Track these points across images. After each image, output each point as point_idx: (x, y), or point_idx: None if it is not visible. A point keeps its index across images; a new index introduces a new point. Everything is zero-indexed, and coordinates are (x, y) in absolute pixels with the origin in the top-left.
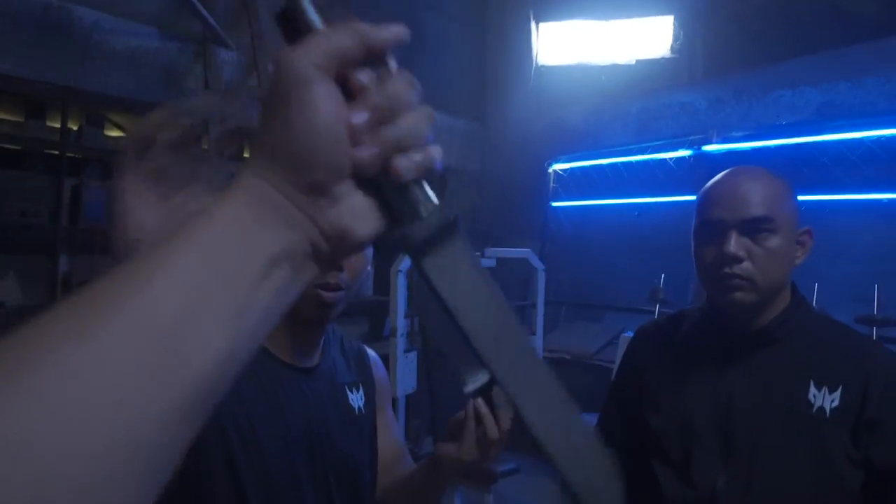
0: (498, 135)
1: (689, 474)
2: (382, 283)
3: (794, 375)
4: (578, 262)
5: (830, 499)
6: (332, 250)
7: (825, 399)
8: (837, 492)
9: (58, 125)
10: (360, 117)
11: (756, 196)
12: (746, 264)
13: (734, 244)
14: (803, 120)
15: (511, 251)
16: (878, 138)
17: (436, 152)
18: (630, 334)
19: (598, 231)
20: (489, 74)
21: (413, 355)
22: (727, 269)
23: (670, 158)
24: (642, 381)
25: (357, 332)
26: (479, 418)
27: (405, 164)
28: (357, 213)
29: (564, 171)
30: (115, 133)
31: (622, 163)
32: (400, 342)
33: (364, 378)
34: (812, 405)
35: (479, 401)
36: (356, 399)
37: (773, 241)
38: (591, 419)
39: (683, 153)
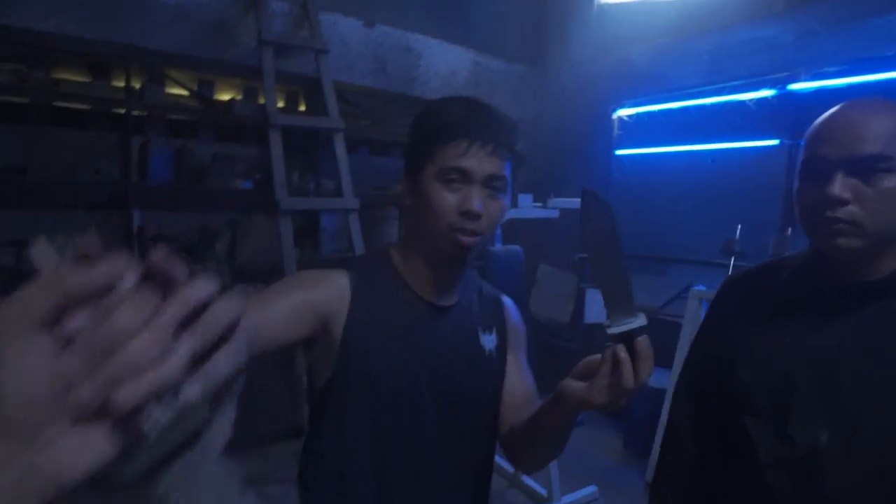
0: (557, 79)
1: (786, 429)
2: None
3: None
4: (643, 212)
5: None
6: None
7: None
8: None
9: (122, 84)
10: (66, 364)
11: (870, 130)
12: (852, 207)
13: (839, 185)
14: None
15: (574, 201)
16: None
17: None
18: (701, 288)
19: (666, 180)
20: (547, 14)
21: None
22: (829, 213)
23: (750, 100)
24: (732, 333)
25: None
26: (616, 363)
27: (120, 399)
28: (73, 451)
29: (629, 116)
30: (175, 90)
31: (693, 106)
32: None
33: (498, 322)
34: None
35: (621, 346)
36: (488, 341)
37: (889, 182)
38: (658, 375)
39: (765, 93)
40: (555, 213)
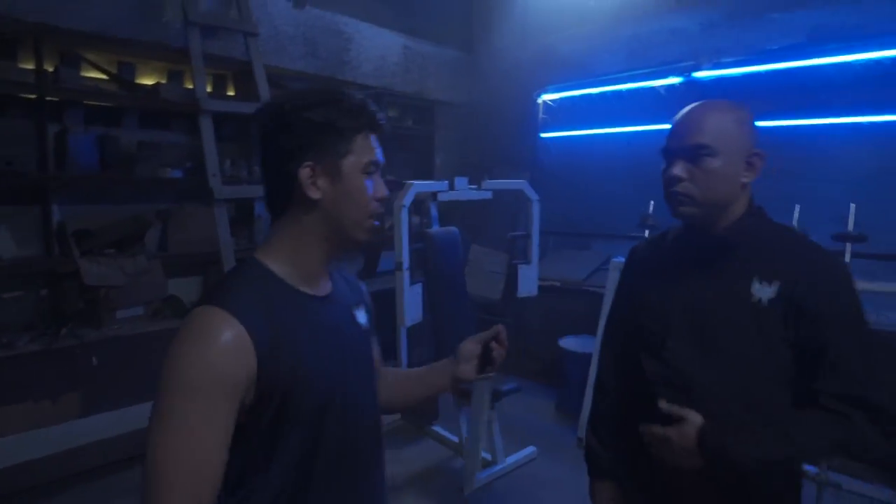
0: (486, 64)
1: (665, 357)
2: None
3: (744, 274)
4: (566, 192)
5: (768, 370)
6: None
7: (764, 291)
8: (772, 366)
9: (32, 66)
10: None
11: (696, 125)
12: (686, 184)
13: (677, 168)
14: (795, 44)
15: (507, 182)
16: (867, 61)
17: None
18: (620, 259)
19: (587, 161)
20: (476, 1)
21: (418, 287)
22: (671, 189)
23: (661, 86)
24: (634, 289)
25: (353, 268)
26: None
27: None
28: None
29: (554, 101)
30: (93, 73)
31: (612, 91)
32: (406, 275)
33: (363, 299)
34: (753, 297)
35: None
36: (361, 317)
37: (712, 164)
38: (583, 341)
39: (674, 80)
40: (488, 195)
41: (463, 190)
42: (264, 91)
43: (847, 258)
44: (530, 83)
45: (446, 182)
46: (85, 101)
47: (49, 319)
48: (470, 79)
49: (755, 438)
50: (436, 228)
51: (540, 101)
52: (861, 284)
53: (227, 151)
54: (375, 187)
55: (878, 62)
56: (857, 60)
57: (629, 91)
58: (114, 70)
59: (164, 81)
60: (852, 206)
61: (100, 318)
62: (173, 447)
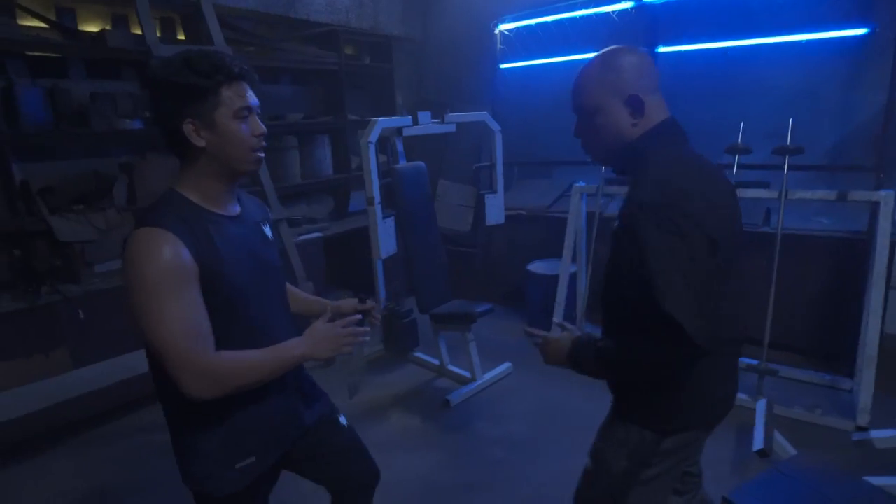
0: None
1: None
2: (340, 163)
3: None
4: (527, 122)
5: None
6: None
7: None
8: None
9: None
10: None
11: (575, 89)
12: (583, 140)
13: (575, 128)
14: None
15: (469, 115)
16: None
17: None
18: (582, 184)
19: (545, 90)
20: None
21: (391, 220)
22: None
23: (613, 11)
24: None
25: (324, 210)
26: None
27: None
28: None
29: (511, 31)
30: (31, 22)
31: (567, 19)
32: (378, 209)
33: (268, 217)
34: (615, 225)
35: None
36: (267, 230)
37: (593, 121)
38: (549, 264)
39: (626, 5)
40: (452, 128)
41: (426, 124)
42: (216, 33)
43: (785, 170)
44: (487, 13)
45: (409, 117)
46: (27, 52)
47: (27, 278)
48: (425, 12)
49: (590, 358)
50: (403, 164)
51: (497, 31)
52: (798, 193)
53: None
54: (251, 127)
55: None
56: None
57: (583, 18)
58: (52, 17)
59: (108, 27)
60: (790, 121)
61: (78, 273)
62: (171, 322)
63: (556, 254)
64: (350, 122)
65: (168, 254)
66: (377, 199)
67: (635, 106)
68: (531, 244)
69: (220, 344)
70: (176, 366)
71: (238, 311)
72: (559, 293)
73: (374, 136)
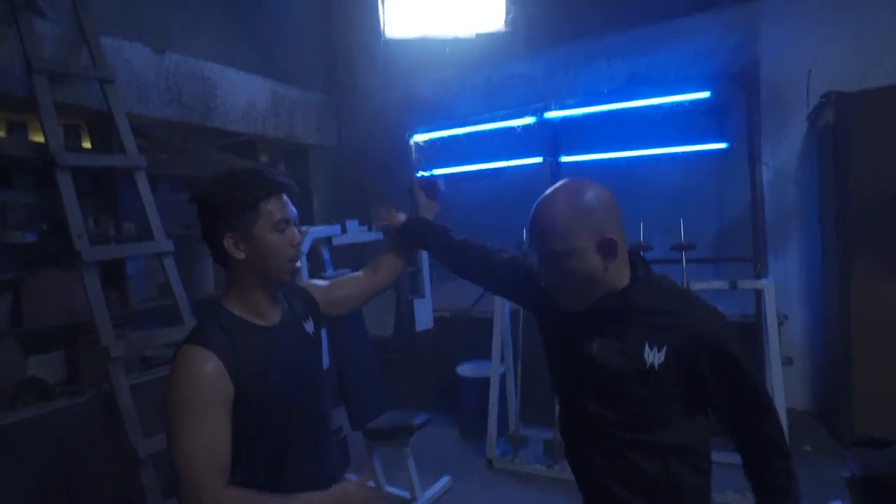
0: (353, 108)
1: (574, 401)
2: None
3: (636, 338)
4: (443, 224)
5: (652, 415)
6: None
7: (654, 356)
8: (657, 412)
9: None
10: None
11: (544, 230)
12: (546, 283)
13: (538, 271)
14: (618, 87)
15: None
16: (673, 103)
17: None
18: None
19: (460, 195)
20: (338, 47)
21: (322, 332)
22: (545, 287)
23: (517, 126)
24: (545, 340)
25: None
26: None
27: None
28: None
29: (424, 141)
30: None
31: (476, 132)
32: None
33: (309, 306)
34: (646, 361)
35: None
36: (308, 326)
37: (566, 265)
38: (478, 366)
39: (528, 120)
40: (380, 235)
41: (355, 232)
42: (129, 140)
43: (683, 264)
44: (400, 124)
45: (339, 226)
46: None
47: None
48: (339, 121)
49: None
50: (330, 272)
51: (412, 141)
52: (697, 284)
53: (88, 209)
54: (288, 238)
55: (680, 103)
56: (666, 103)
57: (491, 131)
58: None
59: (2, 134)
60: (681, 220)
61: None
62: (190, 446)
63: (484, 354)
64: None
65: (205, 374)
66: None
67: (609, 249)
68: (458, 346)
69: (276, 457)
70: (183, 487)
71: (275, 425)
72: (491, 396)
73: (305, 245)
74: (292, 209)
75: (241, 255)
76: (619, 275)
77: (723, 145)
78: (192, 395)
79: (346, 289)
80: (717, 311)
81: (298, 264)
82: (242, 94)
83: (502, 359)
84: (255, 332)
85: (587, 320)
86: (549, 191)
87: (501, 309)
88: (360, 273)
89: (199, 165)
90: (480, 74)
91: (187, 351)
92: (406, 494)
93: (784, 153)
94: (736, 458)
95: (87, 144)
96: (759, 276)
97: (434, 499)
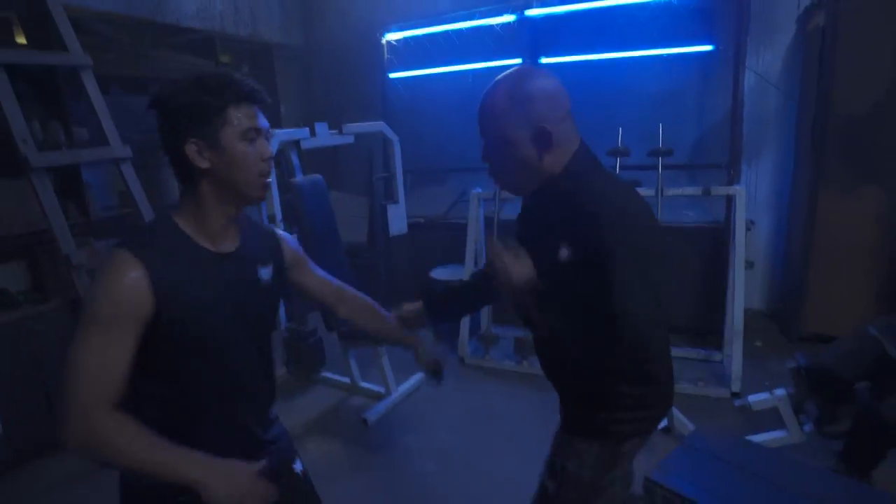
0: (321, 3)
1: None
2: None
3: (550, 233)
4: (417, 130)
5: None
6: None
7: (563, 253)
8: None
9: None
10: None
11: (483, 120)
12: (491, 168)
13: (483, 155)
14: None
15: (367, 125)
16: (659, 1)
17: None
18: (479, 190)
19: (435, 99)
20: None
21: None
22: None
23: (496, 24)
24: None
25: None
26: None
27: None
28: None
29: (398, 41)
30: None
31: (453, 31)
32: (281, 227)
33: (274, 255)
34: (562, 253)
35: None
36: (265, 272)
37: (503, 153)
38: (451, 270)
39: (508, 18)
40: (350, 139)
41: (324, 136)
42: (69, 36)
43: (659, 170)
44: (372, 23)
45: (307, 129)
46: None
47: None
48: (306, 19)
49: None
50: (301, 177)
51: (384, 40)
52: (671, 190)
53: (33, 112)
54: (259, 150)
55: (668, 2)
56: (654, 1)
57: (469, 29)
58: None
59: None
60: (660, 125)
61: None
62: (82, 360)
63: (457, 259)
64: None
65: (124, 284)
66: (279, 215)
67: (543, 139)
68: (432, 251)
69: (184, 393)
70: (66, 401)
71: (199, 358)
72: None
73: (272, 148)
74: (264, 120)
75: (205, 164)
76: (558, 166)
77: (708, 47)
78: (102, 307)
79: (316, 281)
80: (607, 209)
81: (269, 180)
82: None
83: (476, 263)
84: (198, 253)
85: (521, 221)
86: (498, 76)
87: (476, 215)
88: (334, 285)
89: (153, 65)
90: None
91: (115, 255)
92: (381, 389)
93: (769, 58)
94: (690, 353)
95: (21, 40)
96: (731, 183)
97: (407, 393)
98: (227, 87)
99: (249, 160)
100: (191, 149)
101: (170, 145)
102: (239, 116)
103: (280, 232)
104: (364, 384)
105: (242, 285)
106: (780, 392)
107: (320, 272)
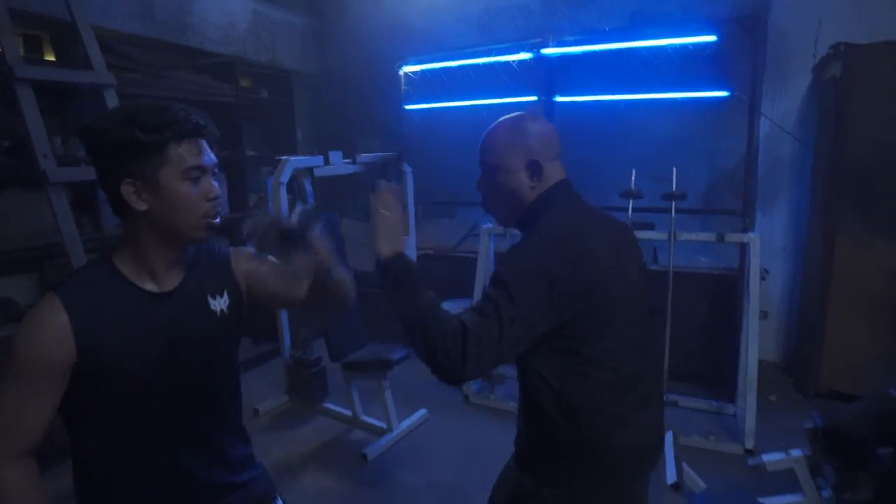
0: (339, 33)
1: None
2: (236, 201)
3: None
4: (430, 162)
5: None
6: None
7: None
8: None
9: None
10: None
11: (483, 145)
12: (483, 198)
13: (478, 182)
14: (621, 26)
15: (381, 156)
16: (676, 45)
17: None
18: (488, 225)
19: (449, 132)
20: None
21: None
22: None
23: (513, 61)
24: None
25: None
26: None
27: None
28: None
29: (415, 73)
30: None
31: (470, 65)
32: None
33: (227, 280)
34: None
35: None
36: (219, 303)
37: (495, 178)
38: (459, 304)
39: (524, 56)
40: (364, 168)
41: (338, 164)
42: (96, 55)
43: (672, 214)
44: (389, 54)
45: (321, 157)
46: None
47: None
48: (325, 47)
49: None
50: (312, 203)
51: (401, 72)
52: (685, 235)
53: (54, 127)
54: (203, 190)
55: (684, 46)
56: (669, 45)
57: (485, 65)
58: None
59: None
60: (674, 169)
61: None
62: (3, 399)
63: (465, 293)
64: (248, 158)
65: (45, 333)
66: None
67: (534, 170)
68: (439, 284)
69: (118, 440)
70: None
71: (129, 406)
72: None
73: (285, 176)
74: (210, 156)
75: (142, 207)
76: (536, 195)
77: (724, 93)
78: (21, 355)
79: (272, 285)
80: (551, 231)
81: (217, 221)
82: (221, 12)
83: None
84: (134, 296)
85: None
86: (503, 116)
87: (486, 249)
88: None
89: (173, 85)
90: (476, 4)
91: (44, 300)
92: (383, 424)
93: (784, 106)
94: (701, 404)
95: (50, 58)
96: (745, 230)
97: (409, 429)
98: (167, 123)
99: (192, 201)
100: (127, 189)
101: (104, 183)
102: (181, 154)
103: (234, 251)
104: (366, 418)
105: (185, 322)
106: (796, 453)
107: (272, 262)
